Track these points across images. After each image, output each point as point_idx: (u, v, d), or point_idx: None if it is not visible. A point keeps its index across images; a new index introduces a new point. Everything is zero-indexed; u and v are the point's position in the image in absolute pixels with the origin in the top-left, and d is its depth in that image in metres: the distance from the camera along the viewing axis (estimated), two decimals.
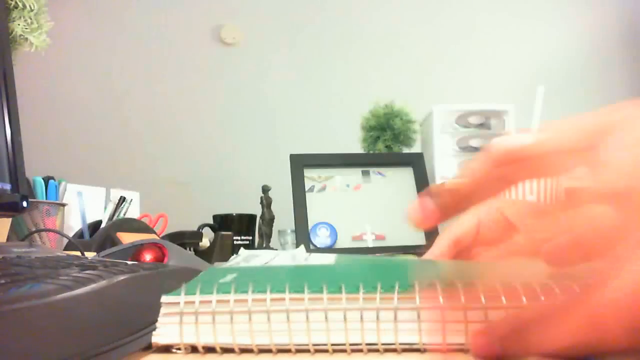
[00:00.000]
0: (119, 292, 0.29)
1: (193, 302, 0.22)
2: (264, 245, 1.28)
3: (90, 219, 0.95)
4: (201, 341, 0.22)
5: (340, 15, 2.03)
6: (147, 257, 0.63)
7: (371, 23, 2.03)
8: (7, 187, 0.53)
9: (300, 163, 1.24)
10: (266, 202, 1.30)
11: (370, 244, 1.21)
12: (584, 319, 0.19)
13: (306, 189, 1.23)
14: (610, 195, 0.21)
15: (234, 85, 1.92)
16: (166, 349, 0.23)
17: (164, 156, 1.83)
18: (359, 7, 2.04)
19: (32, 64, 1.22)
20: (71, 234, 0.94)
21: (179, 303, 0.22)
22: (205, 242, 1.04)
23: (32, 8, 0.74)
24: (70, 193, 0.95)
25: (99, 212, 1.01)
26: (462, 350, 0.21)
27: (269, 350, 0.22)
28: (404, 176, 1.22)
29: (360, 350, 0.22)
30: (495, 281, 0.23)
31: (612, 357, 0.18)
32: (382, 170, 1.22)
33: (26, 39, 0.74)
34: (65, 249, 0.81)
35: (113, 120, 1.82)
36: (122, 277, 0.31)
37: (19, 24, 0.72)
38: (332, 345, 0.22)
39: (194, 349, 0.22)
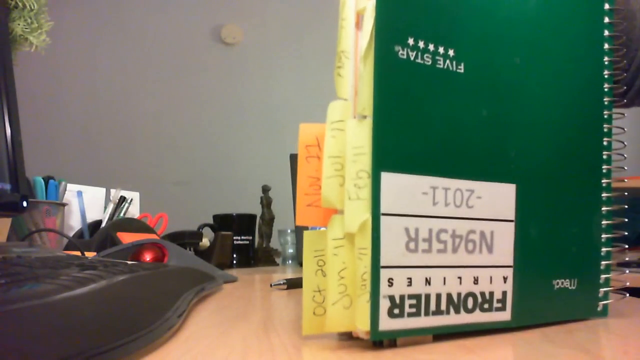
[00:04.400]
0: (119, 292, 0.29)
1: None
2: (264, 245, 1.28)
3: (90, 219, 0.95)
4: None
5: None
6: (147, 257, 0.63)
7: None
8: (7, 187, 0.53)
9: None
10: (266, 202, 1.30)
11: None
12: None
13: None
14: None
15: (234, 86, 1.92)
16: None
17: (164, 156, 1.83)
18: None
19: (32, 64, 1.22)
20: (71, 234, 0.94)
21: None
22: (205, 242, 1.04)
23: (32, 8, 0.74)
24: (70, 193, 0.95)
25: (99, 212, 1.01)
26: None
27: None
28: None
29: None
30: None
31: None
32: None
33: (26, 39, 0.74)
34: (65, 249, 0.81)
35: (113, 120, 1.82)
36: (122, 277, 0.31)
37: (19, 24, 0.72)
38: None
39: None
